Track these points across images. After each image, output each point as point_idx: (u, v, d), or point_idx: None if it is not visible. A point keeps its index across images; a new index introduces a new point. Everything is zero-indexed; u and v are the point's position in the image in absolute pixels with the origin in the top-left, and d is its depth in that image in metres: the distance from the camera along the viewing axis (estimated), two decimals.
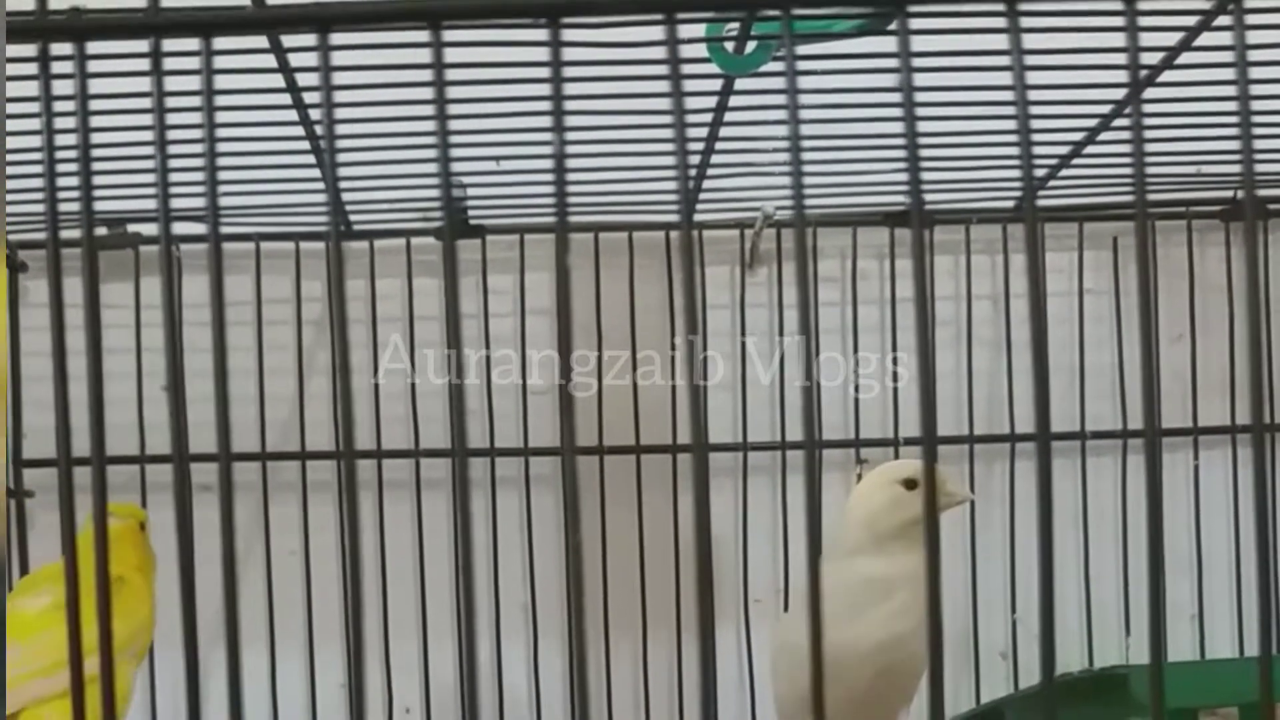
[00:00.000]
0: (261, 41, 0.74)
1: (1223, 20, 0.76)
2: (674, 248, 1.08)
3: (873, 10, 0.40)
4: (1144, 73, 0.83)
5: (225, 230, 1.06)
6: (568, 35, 0.41)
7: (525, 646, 1.09)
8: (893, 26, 0.73)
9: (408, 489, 1.08)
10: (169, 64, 0.66)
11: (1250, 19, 0.74)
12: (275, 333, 1.08)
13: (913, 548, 0.81)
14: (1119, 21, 0.76)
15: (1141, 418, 1.10)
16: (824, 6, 0.41)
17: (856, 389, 1.10)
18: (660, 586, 1.08)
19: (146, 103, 0.45)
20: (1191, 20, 0.77)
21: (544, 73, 0.78)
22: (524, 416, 1.09)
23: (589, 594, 1.08)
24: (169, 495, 0.46)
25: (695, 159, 0.95)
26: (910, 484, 0.83)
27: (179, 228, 1.08)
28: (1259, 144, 0.96)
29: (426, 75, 0.79)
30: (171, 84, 0.77)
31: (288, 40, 0.74)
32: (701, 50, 0.77)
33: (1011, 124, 0.91)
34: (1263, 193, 1.10)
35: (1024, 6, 0.40)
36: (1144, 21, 0.74)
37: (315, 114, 0.85)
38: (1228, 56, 0.80)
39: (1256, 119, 0.89)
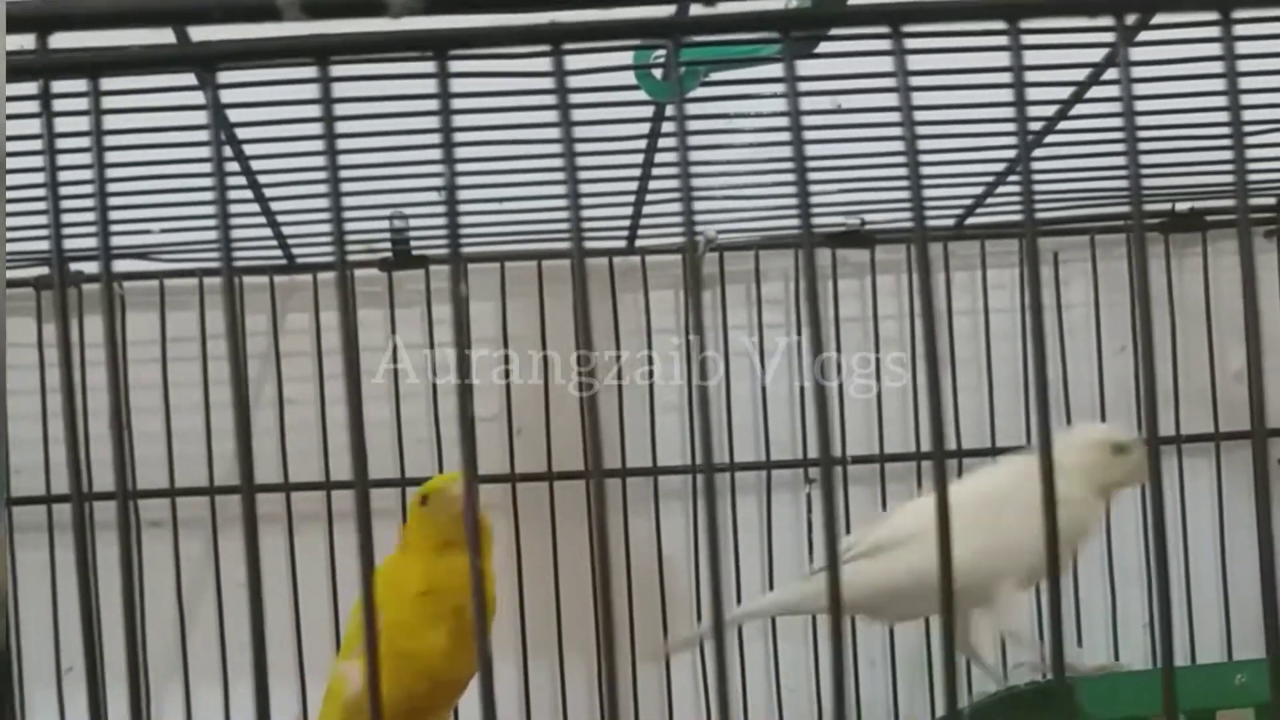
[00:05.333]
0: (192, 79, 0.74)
1: (1148, 36, 0.77)
2: (618, 273, 1.09)
3: (760, 38, 0.41)
4: (1071, 89, 0.85)
5: (168, 266, 1.07)
6: (459, 66, 0.42)
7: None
8: (819, 50, 0.74)
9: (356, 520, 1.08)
10: (108, 102, 0.67)
11: (1176, 34, 0.76)
12: (220, 367, 1.08)
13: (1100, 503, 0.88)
14: (1047, 39, 0.77)
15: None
16: (712, 33, 0.41)
17: (803, 410, 1.11)
18: (615, 607, 1.08)
19: (84, 141, 0.45)
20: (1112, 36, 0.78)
21: (487, 102, 0.80)
22: (438, 445, 1.09)
23: (542, 616, 1.09)
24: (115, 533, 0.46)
25: (633, 185, 0.96)
26: (1118, 448, 0.88)
27: (123, 265, 1.09)
28: (1197, 156, 0.98)
29: (362, 109, 0.80)
30: (111, 122, 0.78)
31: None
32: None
33: (949, 143, 0.92)
34: (1201, 205, 1.12)
35: (907, 29, 0.41)
36: (1067, 39, 0.76)
37: (250, 150, 0.85)
38: (1158, 71, 0.82)
39: (1194, 131, 0.91)
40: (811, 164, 0.95)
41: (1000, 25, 0.43)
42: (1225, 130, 0.91)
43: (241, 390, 0.42)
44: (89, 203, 0.50)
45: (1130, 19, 0.45)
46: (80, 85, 0.44)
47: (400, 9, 0.41)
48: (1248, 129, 0.91)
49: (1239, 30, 0.76)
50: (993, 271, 1.11)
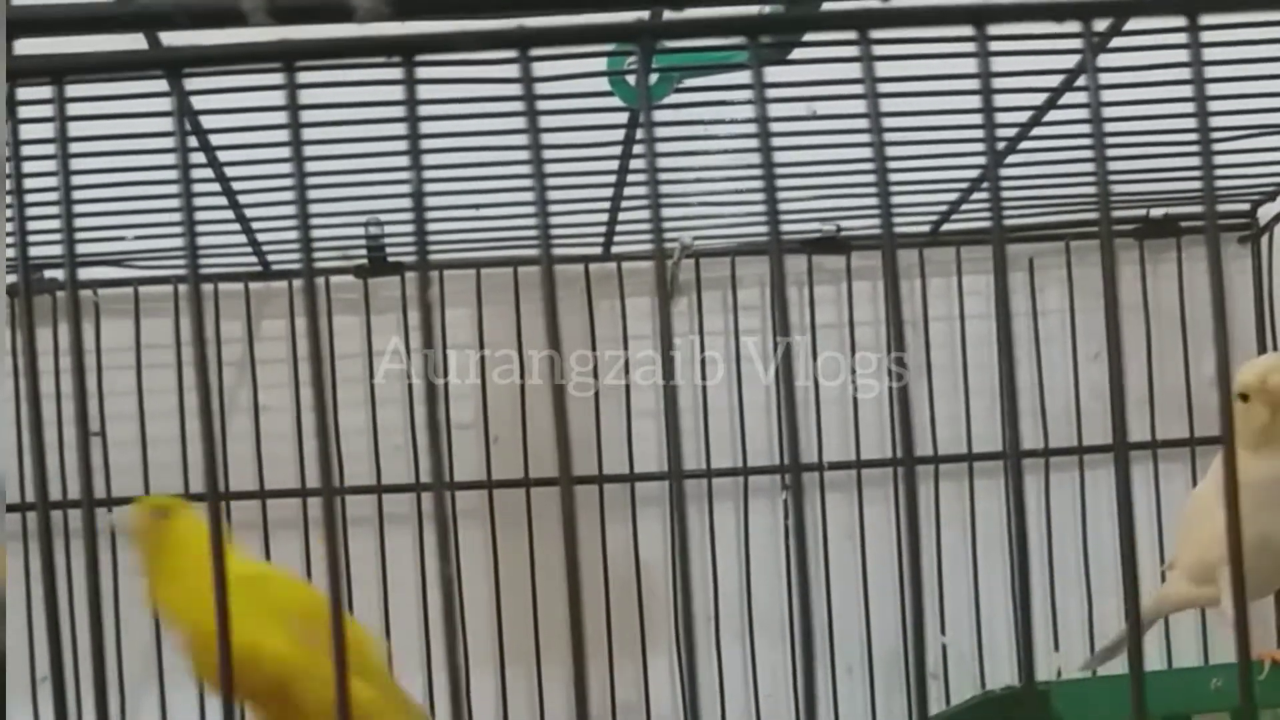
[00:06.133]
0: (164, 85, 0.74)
1: (1119, 43, 0.77)
2: (594, 280, 1.09)
3: (727, 43, 0.41)
4: (1044, 96, 0.85)
5: (143, 274, 1.07)
6: (430, 73, 0.42)
7: (421, 679, 1.09)
8: (793, 56, 0.74)
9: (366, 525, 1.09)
10: (82, 109, 0.67)
11: (1146, 40, 0.77)
12: (195, 375, 1.07)
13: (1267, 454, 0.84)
14: (1019, 45, 0.77)
15: (1064, 436, 1.11)
16: (679, 37, 0.41)
17: (779, 416, 1.11)
18: (593, 615, 1.08)
19: (39, 149, 0.44)
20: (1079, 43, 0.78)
21: (457, 109, 0.80)
22: (414, 451, 1.09)
23: (520, 624, 1.08)
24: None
25: (609, 191, 0.96)
26: (1243, 396, 0.85)
27: (99, 272, 1.08)
28: (1171, 162, 0.98)
29: (337, 115, 0.80)
30: (85, 129, 0.78)
31: (190, 84, 0.74)
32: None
33: (924, 149, 0.92)
34: (1175, 210, 1.12)
35: (875, 34, 0.41)
36: (1040, 45, 0.77)
37: (223, 156, 0.85)
38: (1130, 78, 0.82)
39: (1168, 138, 0.91)
40: (787, 170, 0.96)
41: (968, 31, 0.42)
42: (1197, 136, 0.92)
43: (207, 400, 0.41)
44: (56, 209, 0.50)
45: (1100, 25, 0.45)
46: (46, 92, 0.44)
47: (367, 14, 0.40)
48: (1220, 135, 0.92)
49: (1207, 36, 0.77)
50: (968, 278, 1.11)
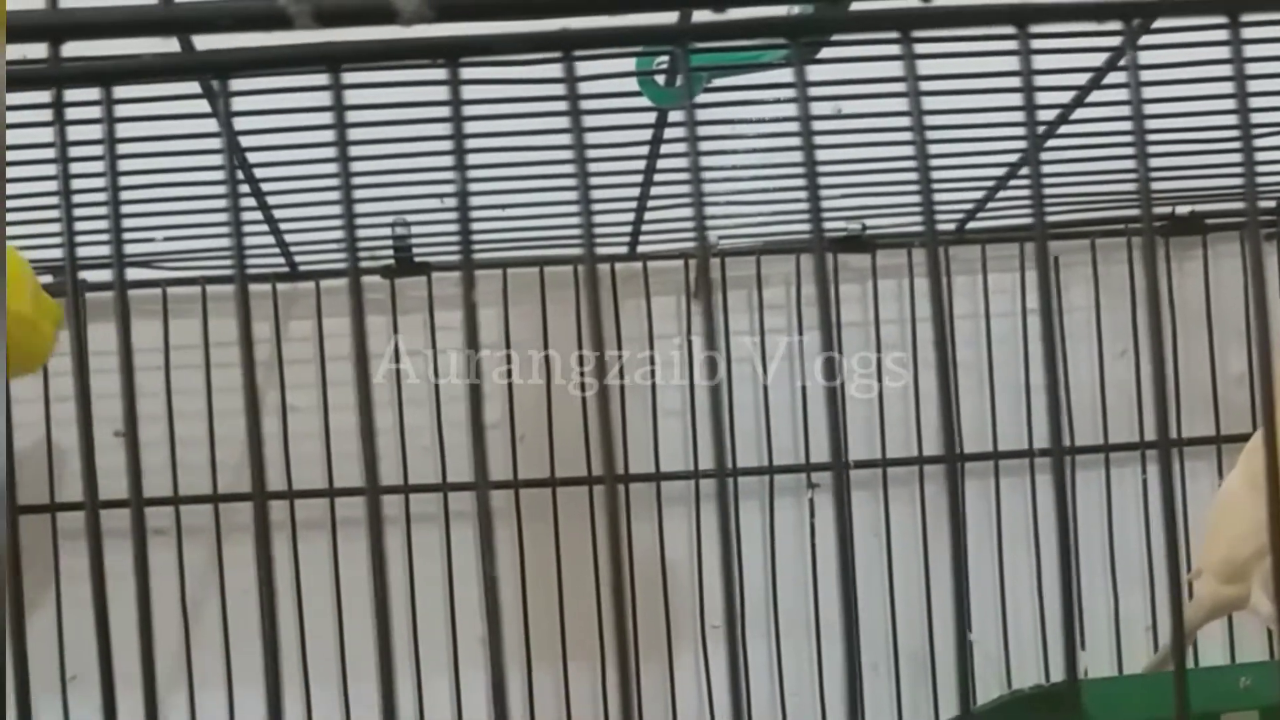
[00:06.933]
0: (196, 87, 0.74)
1: (1151, 39, 0.77)
2: (620, 279, 1.09)
3: (768, 43, 0.41)
4: (1072, 94, 0.85)
5: (171, 275, 1.07)
6: (469, 74, 0.42)
7: (485, 675, 1.09)
8: (820, 55, 0.74)
9: (363, 525, 1.08)
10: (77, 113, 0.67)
11: (1180, 37, 0.76)
12: (223, 375, 1.08)
13: None
14: (1049, 44, 0.77)
15: (1089, 434, 1.11)
16: (720, 39, 0.42)
17: (805, 414, 1.11)
18: (584, 617, 1.09)
19: (92, 149, 0.45)
20: (1116, 40, 0.78)
21: (492, 109, 0.80)
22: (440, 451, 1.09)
23: (546, 623, 1.09)
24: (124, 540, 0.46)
25: (636, 191, 0.96)
26: None
27: (128, 273, 1.08)
28: (1197, 160, 0.98)
29: (368, 115, 0.80)
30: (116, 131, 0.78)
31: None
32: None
33: (950, 148, 0.92)
34: (1201, 208, 1.12)
35: (917, 34, 0.41)
36: (1068, 44, 0.77)
37: (253, 158, 0.85)
38: (1160, 75, 0.82)
39: (1196, 135, 0.91)
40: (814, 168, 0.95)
41: (1008, 30, 0.43)
42: (1227, 134, 0.92)
43: (253, 399, 0.42)
44: (95, 210, 0.50)
45: (1136, 22, 0.45)
46: (89, 94, 0.44)
47: (412, 16, 0.41)
48: (1253, 132, 0.92)
49: (1246, 34, 0.76)
50: (994, 276, 1.11)
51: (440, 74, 0.42)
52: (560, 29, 0.41)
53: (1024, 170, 0.97)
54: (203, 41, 0.53)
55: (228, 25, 0.40)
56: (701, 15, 0.44)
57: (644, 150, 0.89)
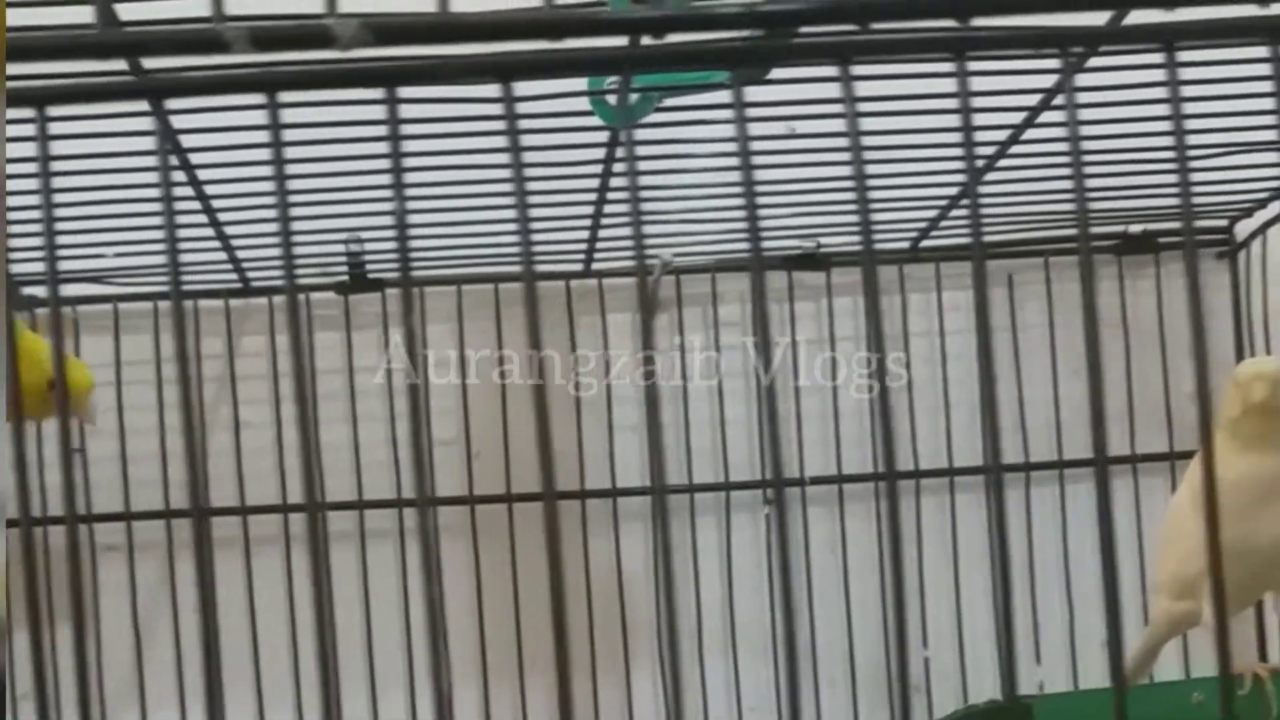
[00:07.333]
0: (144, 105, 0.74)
1: (1098, 62, 0.77)
2: (575, 296, 1.09)
3: (715, 65, 0.41)
4: (1024, 114, 0.85)
5: (123, 291, 1.06)
6: (412, 93, 0.42)
7: (405, 696, 1.09)
8: (772, 76, 0.74)
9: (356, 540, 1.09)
10: (62, 128, 0.66)
11: (1125, 59, 0.77)
12: (175, 391, 1.07)
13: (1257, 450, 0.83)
14: (998, 65, 0.78)
15: (1045, 451, 1.12)
16: (660, 66, 0.42)
17: (760, 431, 1.11)
18: (575, 629, 1.08)
19: (32, 167, 0.45)
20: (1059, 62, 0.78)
21: (439, 128, 0.80)
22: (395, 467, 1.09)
23: (503, 639, 1.08)
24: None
25: (589, 209, 0.96)
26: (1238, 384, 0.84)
27: (78, 289, 1.08)
28: (1149, 180, 0.98)
29: (318, 134, 0.80)
30: (66, 147, 0.78)
31: (171, 102, 0.74)
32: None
33: (903, 167, 0.93)
34: (1154, 227, 1.13)
35: (857, 58, 0.41)
36: (1021, 65, 0.77)
37: (204, 174, 0.85)
38: (1108, 97, 0.83)
39: (1145, 155, 0.92)
40: (767, 187, 0.96)
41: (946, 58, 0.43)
42: (1174, 155, 0.92)
43: (189, 417, 0.41)
44: (38, 227, 0.50)
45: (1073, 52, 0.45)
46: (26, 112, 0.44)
47: (349, 41, 0.41)
48: (1197, 153, 0.92)
49: (1184, 56, 0.77)
50: (948, 294, 1.12)
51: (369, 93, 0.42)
52: (499, 54, 0.41)
53: (978, 189, 0.97)
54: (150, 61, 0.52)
55: (165, 49, 0.40)
56: (646, 40, 0.44)
57: (598, 169, 0.89)
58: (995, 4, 0.43)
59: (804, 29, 0.44)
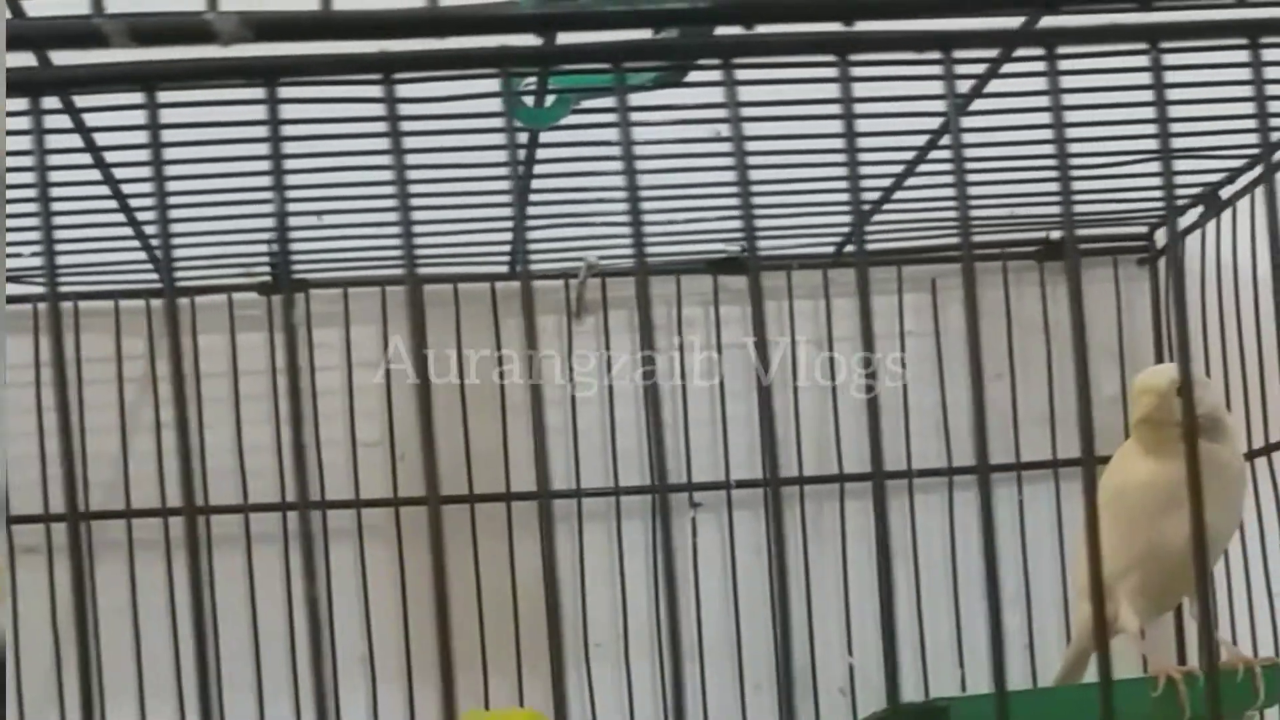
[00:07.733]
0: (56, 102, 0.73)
1: (1010, 68, 0.78)
2: (500, 298, 1.09)
3: (595, 69, 0.41)
4: (941, 120, 0.86)
5: (43, 290, 1.06)
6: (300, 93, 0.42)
7: (365, 696, 1.09)
8: (695, 79, 0.75)
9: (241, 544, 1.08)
10: None
11: (1037, 65, 0.77)
12: (94, 392, 1.07)
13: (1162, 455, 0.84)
14: (917, 70, 0.78)
15: (967, 455, 1.12)
16: (545, 64, 0.42)
17: (686, 433, 1.11)
18: (502, 632, 1.09)
19: None
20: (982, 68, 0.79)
21: (372, 127, 0.80)
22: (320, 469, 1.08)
23: (428, 641, 1.08)
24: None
25: (509, 210, 0.96)
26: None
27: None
28: (1071, 185, 0.99)
29: (240, 132, 0.80)
30: None
31: (80, 100, 0.74)
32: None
33: (831, 170, 0.93)
34: (1076, 232, 1.13)
35: (739, 60, 0.41)
36: (933, 70, 0.77)
37: (120, 173, 0.85)
38: (1034, 101, 0.83)
39: (1068, 161, 0.92)
40: (691, 191, 0.96)
41: (829, 59, 0.43)
42: (1089, 160, 0.93)
43: (65, 421, 0.41)
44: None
45: (958, 53, 0.45)
46: None
47: (230, 36, 0.41)
48: (1115, 159, 0.93)
49: (1091, 64, 0.78)
50: (873, 298, 1.12)
51: (300, 91, 0.42)
52: (380, 51, 0.41)
53: (897, 194, 0.98)
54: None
55: (40, 43, 0.40)
56: (526, 40, 0.44)
57: (519, 170, 0.89)
58: (878, 8, 0.44)
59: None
